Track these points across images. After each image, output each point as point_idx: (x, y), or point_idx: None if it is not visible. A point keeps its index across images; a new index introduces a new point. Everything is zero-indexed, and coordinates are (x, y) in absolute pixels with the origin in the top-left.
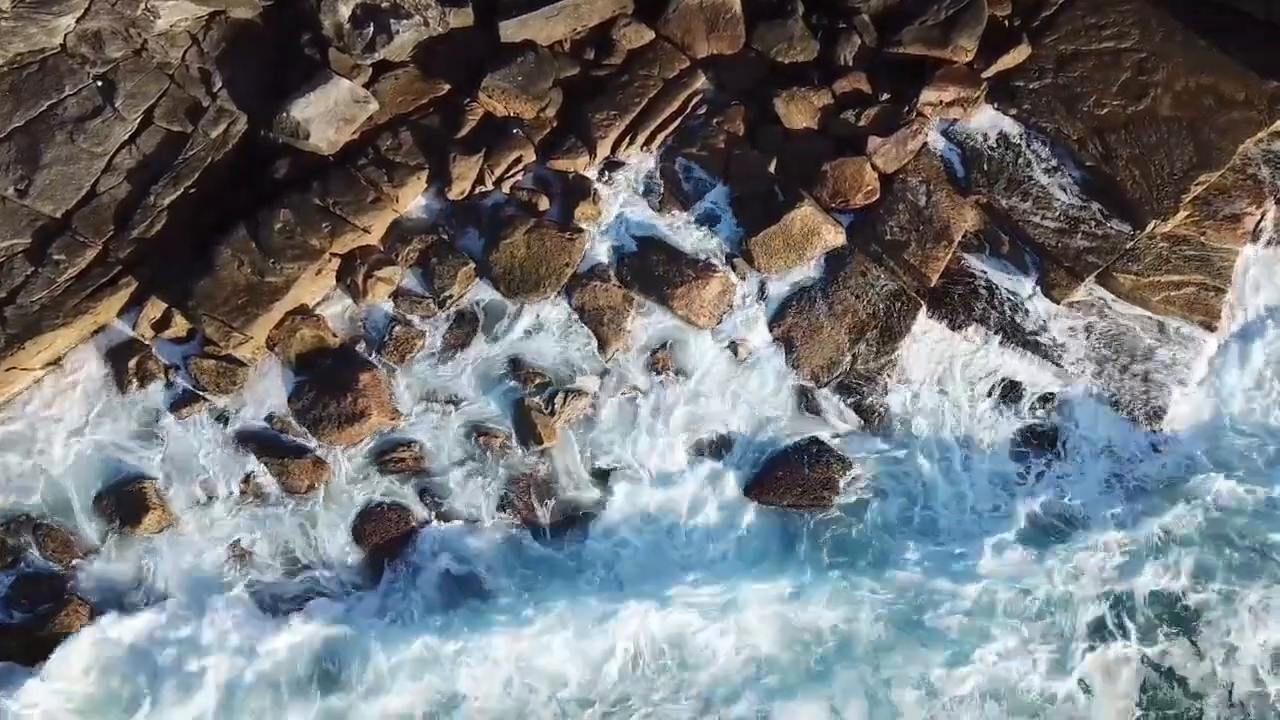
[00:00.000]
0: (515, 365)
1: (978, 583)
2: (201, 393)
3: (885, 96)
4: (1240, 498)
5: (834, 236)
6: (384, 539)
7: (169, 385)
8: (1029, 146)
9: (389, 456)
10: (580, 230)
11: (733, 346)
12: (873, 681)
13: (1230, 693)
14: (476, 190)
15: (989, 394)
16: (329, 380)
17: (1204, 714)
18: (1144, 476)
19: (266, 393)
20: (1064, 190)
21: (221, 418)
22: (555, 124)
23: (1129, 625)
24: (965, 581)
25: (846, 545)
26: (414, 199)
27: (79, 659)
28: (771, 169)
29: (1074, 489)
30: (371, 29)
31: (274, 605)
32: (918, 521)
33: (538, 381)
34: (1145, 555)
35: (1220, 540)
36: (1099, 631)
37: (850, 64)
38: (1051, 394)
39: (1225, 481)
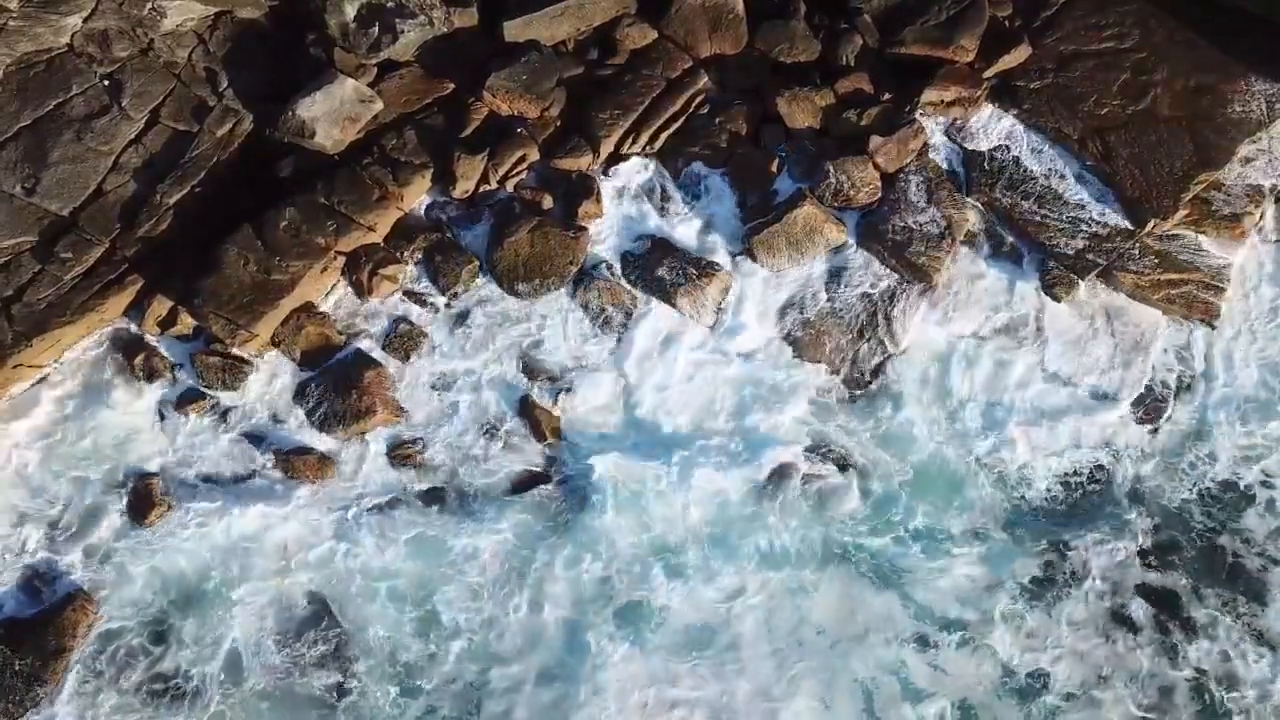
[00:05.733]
0: (520, 362)
1: None
2: (206, 390)
3: (887, 96)
4: None
5: (836, 235)
6: None
7: (174, 383)
8: (1030, 146)
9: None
10: (584, 229)
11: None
12: None
13: None
14: (481, 189)
15: None
16: (334, 378)
17: None
18: None
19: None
20: (1064, 189)
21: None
22: (559, 123)
23: None
24: None
25: None
26: (418, 197)
27: None
28: (774, 168)
29: None
30: (377, 28)
31: None
32: None
33: (543, 377)
34: None
35: None
36: None
37: (852, 64)
38: None
39: None
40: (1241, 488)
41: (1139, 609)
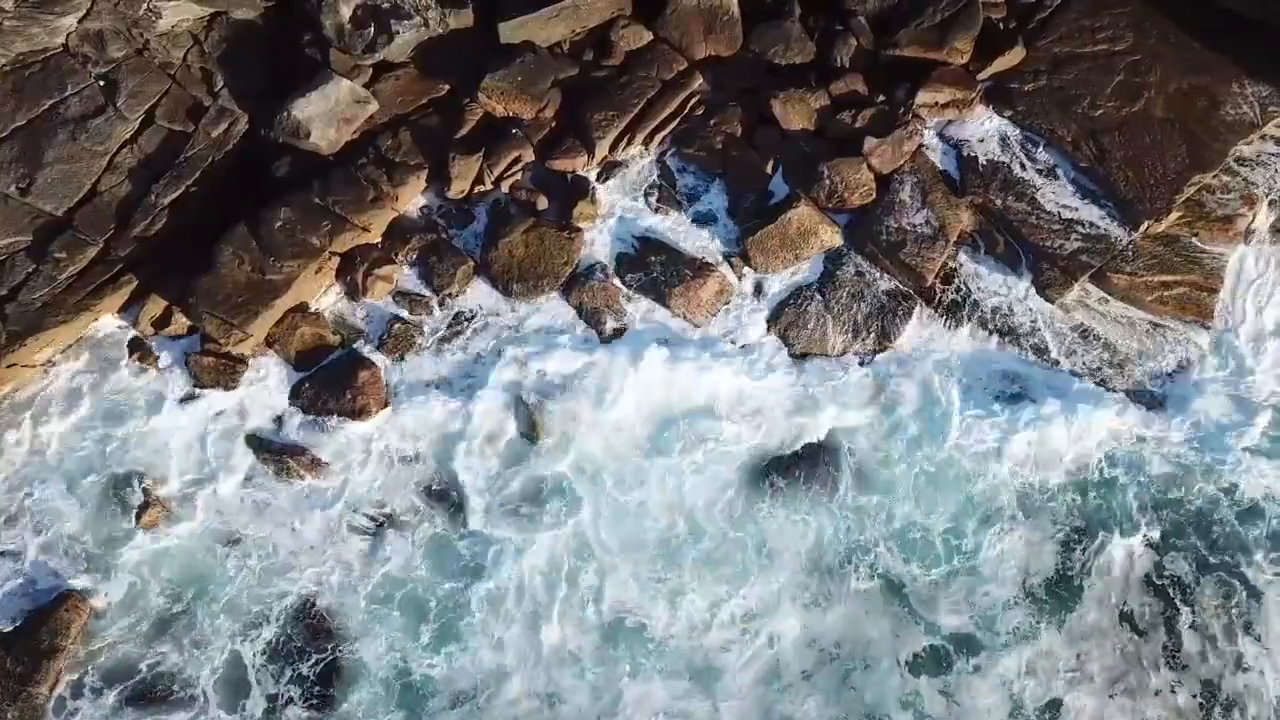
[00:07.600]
0: (515, 363)
1: None
2: (202, 390)
3: (881, 98)
4: None
5: (830, 236)
6: None
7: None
8: (1024, 148)
9: None
10: (579, 230)
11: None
12: None
13: None
14: (476, 189)
15: None
16: (329, 377)
17: None
18: None
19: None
20: (1058, 191)
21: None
22: (554, 124)
23: None
24: None
25: None
26: (413, 198)
27: None
28: (769, 169)
29: None
30: (372, 29)
31: None
32: None
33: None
34: None
35: None
36: None
37: (847, 65)
38: None
39: None
40: None
41: None
